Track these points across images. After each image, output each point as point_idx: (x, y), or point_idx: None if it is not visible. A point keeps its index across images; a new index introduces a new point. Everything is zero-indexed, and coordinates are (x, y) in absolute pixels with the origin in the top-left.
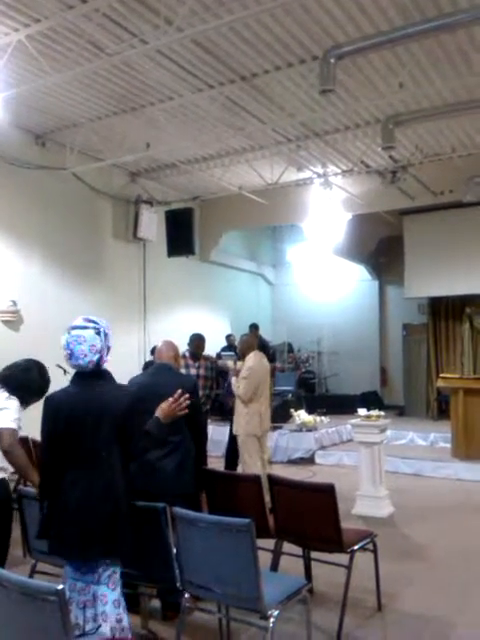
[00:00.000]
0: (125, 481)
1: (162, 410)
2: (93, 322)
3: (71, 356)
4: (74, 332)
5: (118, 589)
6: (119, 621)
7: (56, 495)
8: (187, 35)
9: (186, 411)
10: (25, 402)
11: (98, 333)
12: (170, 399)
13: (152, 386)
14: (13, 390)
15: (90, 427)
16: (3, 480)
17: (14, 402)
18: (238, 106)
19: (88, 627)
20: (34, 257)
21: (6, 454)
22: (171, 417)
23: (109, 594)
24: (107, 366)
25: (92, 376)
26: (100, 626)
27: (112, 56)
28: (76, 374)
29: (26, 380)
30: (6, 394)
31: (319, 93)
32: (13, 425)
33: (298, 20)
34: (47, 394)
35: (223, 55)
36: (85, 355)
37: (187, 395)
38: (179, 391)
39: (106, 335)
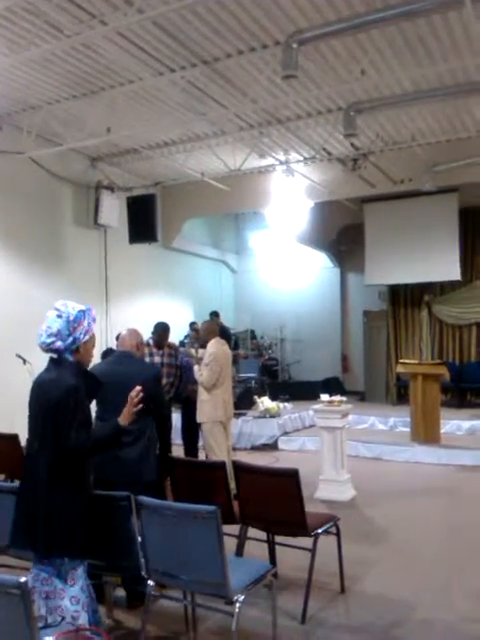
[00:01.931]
0: (59, 477)
1: (124, 416)
2: (64, 306)
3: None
4: (47, 313)
5: (78, 585)
6: (75, 618)
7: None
8: (148, 17)
9: (141, 405)
10: None
11: (59, 316)
12: (131, 393)
13: (114, 375)
14: None
15: (33, 416)
16: None
17: None
18: (200, 91)
19: (50, 619)
20: None
21: None
22: (129, 418)
23: (67, 590)
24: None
25: (54, 363)
26: (63, 619)
27: (71, 37)
28: (48, 359)
29: None
30: None
31: (281, 79)
32: None
33: (260, 4)
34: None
35: (185, 38)
36: (40, 335)
37: (139, 389)
38: (137, 389)
39: (69, 322)
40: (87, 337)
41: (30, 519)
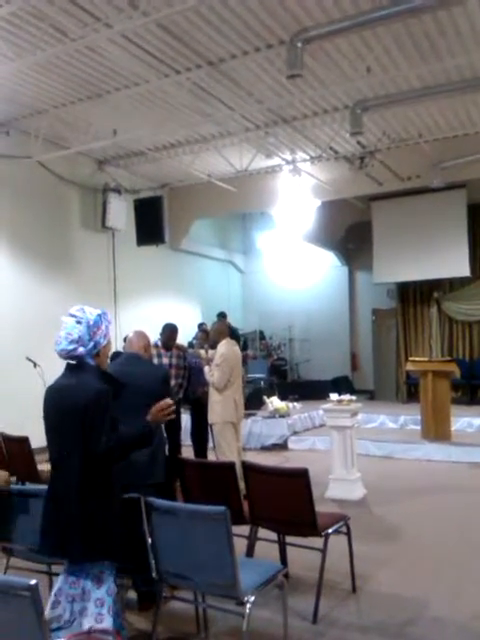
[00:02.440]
0: (91, 483)
1: (152, 415)
2: (82, 311)
3: (54, 342)
4: (62, 318)
5: (104, 588)
6: (99, 621)
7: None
8: (153, 19)
9: (172, 417)
10: None
11: (79, 322)
12: (161, 402)
13: (122, 376)
14: None
15: (57, 422)
16: None
17: None
18: (205, 92)
19: (75, 623)
20: (0, 249)
21: None
22: (158, 422)
23: (93, 591)
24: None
25: (73, 368)
26: (74, 620)
27: (76, 41)
28: (65, 364)
29: None
30: None
31: (287, 78)
32: None
33: (265, 4)
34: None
35: (189, 40)
36: (59, 342)
37: (171, 402)
38: (168, 402)
39: (90, 327)
40: (105, 341)
41: (62, 526)
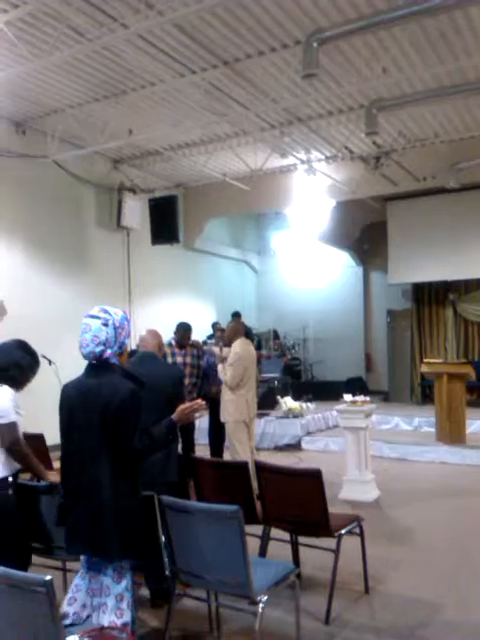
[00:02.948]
0: (121, 481)
1: (178, 413)
2: (106, 313)
3: (79, 345)
4: (85, 320)
5: (124, 583)
6: (119, 617)
7: (66, 488)
8: (168, 19)
9: (202, 415)
10: (18, 385)
11: (105, 324)
12: (191, 403)
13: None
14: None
15: (84, 420)
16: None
17: (6, 390)
18: (221, 92)
19: (93, 618)
20: (17, 247)
21: (11, 452)
22: (186, 420)
23: (113, 587)
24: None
25: (96, 368)
26: (89, 617)
27: (92, 41)
28: (87, 364)
29: (12, 362)
30: None
31: (302, 78)
32: (12, 417)
33: (280, 4)
34: (64, 383)
35: (205, 40)
36: (87, 345)
37: (202, 403)
38: (198, 401)
39: (116, 328)
40: (128, 341)
41: (93, 524)
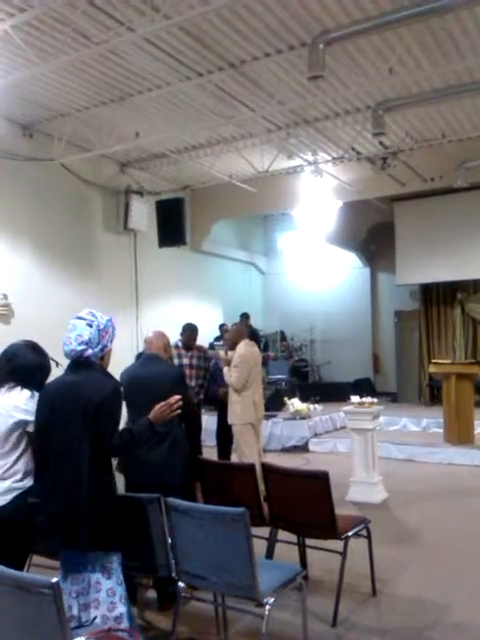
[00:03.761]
0: (98, 474)
1: (154, 412)
2: (92, 315)
3: (63, 342)
4: (71, 321)
5: (114, 578)
6: (111, 610)
7: (42, 484)
8: (175, 22)
9: (178, 412)
10: (37, 386)
11: (90, 325)
12: (162, 403)
13: (140, 377)
14: (19, 380)
15: (65, 417)
16: (30, 489)
17: (24, 393)
18: (227, 94)
19: (83, 617)
20: (24, 250)
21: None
22: (162, 419)
23: (103, 582)
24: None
25: (78, 366)
26: (95, 618)
27: (99, 45)
28: (69, 362)
29: (37, 365)
30: (11, 388)
31: (308, 79)
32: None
33: (286, 5)
34: (46, 383)
35: (211, 42)
36: (69, 343)
37: (178, 398)
38: (176, 397)
39: (100, 331)
40: (111, 345)
41: (68, 517)
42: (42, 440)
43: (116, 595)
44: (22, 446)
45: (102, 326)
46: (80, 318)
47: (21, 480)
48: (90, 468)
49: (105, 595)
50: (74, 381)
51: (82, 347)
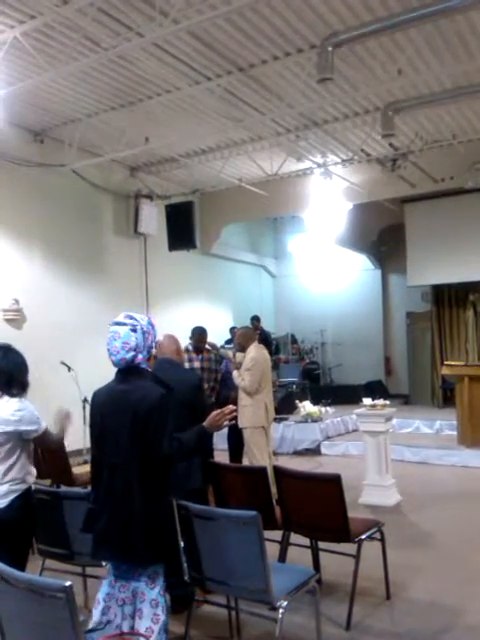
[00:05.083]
0: (150, 485)
1: (209, 420)
2: (132, 319)
3: (108, 352)
4: (112, 328)
5: (157, 588)
6: (155, 622)
7: (96, 494)
8: (183, 27)
9: (232, 423)
10: (21, 388)
11: (134, 330)
12: (219, 410)
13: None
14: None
15: (115, 425)
16: (28, 490)
17: (21, 401)
18: (236, 98)
19: (124, 626)
20: (35, 255)
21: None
22: (217, 427)
23: (147, 593)
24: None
25: (126, 373)
26: (109, 622)
27: (108, 50)
28: (116, 371)
29: (19, 368)
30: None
31: (317, 82)
32: (43, 424)
33: (295, 9)
34: (95, 390)
35: (220, 46)
36: (117, 352)
37: (233, 408)
38: (230, 407)
39: (144, 333)
40: (154, 344)
41: (123, 529)
42: (94, 450)
43: (159, 606)
44: (17, 453)
45: (145, 328)
46: (121, 324)
47: (20, 483)
48: (141, 480)
49: (149, 606)
50: (123, 389)
51: (131, 354)
